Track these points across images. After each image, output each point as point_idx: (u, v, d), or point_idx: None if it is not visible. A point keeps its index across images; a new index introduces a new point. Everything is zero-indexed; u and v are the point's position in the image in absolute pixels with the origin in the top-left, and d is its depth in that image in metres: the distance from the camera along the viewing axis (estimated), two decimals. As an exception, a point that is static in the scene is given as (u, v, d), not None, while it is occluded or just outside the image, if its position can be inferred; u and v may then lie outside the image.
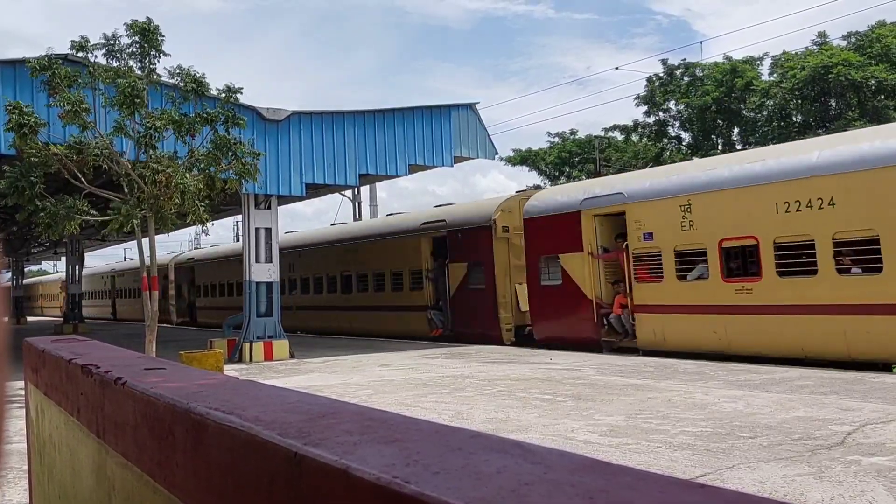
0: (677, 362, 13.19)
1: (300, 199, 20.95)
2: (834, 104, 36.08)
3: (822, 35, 38.22)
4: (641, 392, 9.85)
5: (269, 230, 17.42)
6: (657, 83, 42.48)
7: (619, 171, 34.58)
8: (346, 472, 0.99)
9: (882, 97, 34.39)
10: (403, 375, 12.78)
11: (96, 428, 2.29)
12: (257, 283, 17.27)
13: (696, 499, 0.60)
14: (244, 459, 1.30)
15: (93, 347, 3.08)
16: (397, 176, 19.24)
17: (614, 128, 46.75)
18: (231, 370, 14.21)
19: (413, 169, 19.09)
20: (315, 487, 1.08)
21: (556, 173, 48.49)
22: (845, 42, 37.88)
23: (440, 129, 18.36)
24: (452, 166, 18.94)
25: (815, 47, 37.77)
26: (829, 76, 34.46)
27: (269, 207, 17.50)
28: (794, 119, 38.00)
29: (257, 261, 17.25)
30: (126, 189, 12.93)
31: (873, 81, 33.95)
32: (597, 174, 35.58)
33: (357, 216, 36.98)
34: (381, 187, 41.85)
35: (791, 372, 11.37)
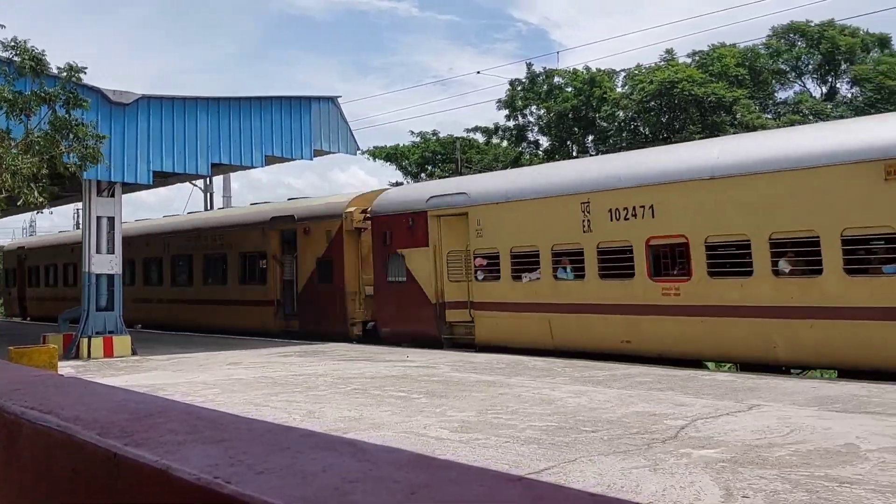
0: (528, 359, 13.61)
1: (147, 187, 19.95)
2: (678, 117, 38.46)
3: (669, 52, 40.70)
4: (493, 388, 10.09)
5: (111, 219, 16.46)
6: (519, 87, 43.68)
7: (483, 170, 35.30)
8: (166, 473, 0.93)
9: (721, 112, 37.00)
10: (254, 374, 12.45)
11: None
12: (97, 276, 16.29)
13: (512, 491, 0.60)
14: (60, 461, 1.21)
15: None
16: (252, 167, 18.71)
17: (476, 129, 47.68)
18: (66, 367, 13.33)
19: (270, 160, 18.61)
20: (133, 488, 1.02)
21: (419, 171, 48.89)
22: (690, 60, 40.53)
23: (300, 122, 17.97)
24: (312, 160, 18.65)
25: (663, 63, 40.14)
26: (675, 90, 36.72)
27: (113, 195, 16.54)
28: (641, 130, 40.18)
29: (98, 251, 16.26)
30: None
31: (713, 97, 36.48)
32: (459, 174, 36.13)
33: (209, 207, 35.68)
34: (235, 178, 40.62)
35: (632, 369, 12.00)
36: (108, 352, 16.06)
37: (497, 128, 46.21)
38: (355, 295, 19.18)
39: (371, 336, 18.85)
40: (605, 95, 40.39)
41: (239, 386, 11.07)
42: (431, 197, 17.35)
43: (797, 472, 5.47)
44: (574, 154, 41.11)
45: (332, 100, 18.71)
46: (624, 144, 38.01)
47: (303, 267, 20.59)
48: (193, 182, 32.60)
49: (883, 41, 42.05)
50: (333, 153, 18.93)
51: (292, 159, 18.55)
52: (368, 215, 18.70)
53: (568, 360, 13.50)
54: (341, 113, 18.72)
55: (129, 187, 18.22)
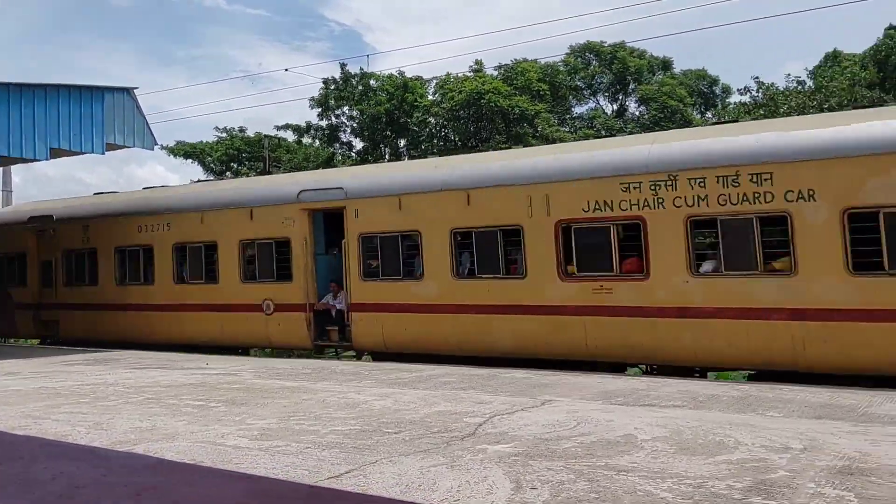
0: (335, 363, 13.54)
1: None
2: (486, 127, 39.98)
3: (478, 63, 42.26)
4: (297, 394, 9.92)
5: None
6: (333, 87, 43.31)
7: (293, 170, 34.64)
8: None
9: (524, 124, 38.92)
10: (34, 384, 11.40)
11: None
12: None
13: (235, 488, 0.59)
14: None
15: None
16: (36, 160, 17.12)
17: (286, 127, 46.52)
18: None
19: (56, 153, 17.11)
20: None
21: (224, 168, 47.14)
22: (496, 72, 42.32)
23: (91, 113, 16.64)
24: (104, 153, 17.35)
25: (471, 73, 41.62)
26: (482, 101, 38.16)
27: None
28: (451, 137, 41.36)
29: None
30: None
31: (517, 110, 38.31)
32: (267, 173, 35.26)
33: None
34: (17, 171, 37.05)
35: (437, 370, 12.28)
36: None
37: (309, 126, 45.50)
38: None
39: None
40: (416, 102, 41.16)
41: (16, 398, 10.09)
42: None
43: (581, 462, 5.86)
44: (386, 157, 41.49)
45: (127, 91, 17.55)
46: (435, 151, 38.92)
47: None
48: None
49: (666, 64, 46.33)
50: (128, 147, 17.76)
51: (82, 153, 17.20)
52: None
53: (375, 363, 13.58)
54: (137, 105, 17.59)
55: None
